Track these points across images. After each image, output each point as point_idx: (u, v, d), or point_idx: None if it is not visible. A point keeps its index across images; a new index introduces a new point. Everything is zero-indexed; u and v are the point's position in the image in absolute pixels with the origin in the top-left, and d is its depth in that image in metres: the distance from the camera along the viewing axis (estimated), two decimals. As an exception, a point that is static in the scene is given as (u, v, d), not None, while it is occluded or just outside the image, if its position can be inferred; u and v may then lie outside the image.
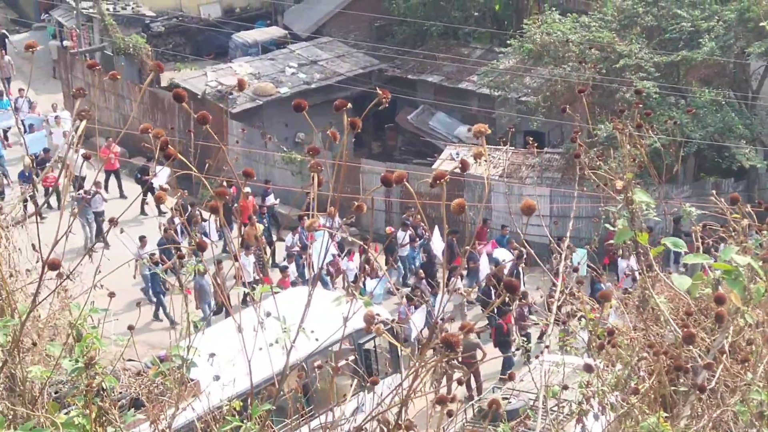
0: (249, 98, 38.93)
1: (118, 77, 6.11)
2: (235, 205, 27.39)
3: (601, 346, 6.11)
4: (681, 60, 33.21)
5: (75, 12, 44.89)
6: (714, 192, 6.72)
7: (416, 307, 24.79)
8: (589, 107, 30.12)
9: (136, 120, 37.43)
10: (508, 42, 37.10)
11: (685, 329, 4.75)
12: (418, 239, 30.59)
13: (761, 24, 30.13)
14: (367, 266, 27.78)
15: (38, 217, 5.24)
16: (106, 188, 32.52)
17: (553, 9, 38.19)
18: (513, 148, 35.18)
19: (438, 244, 29.66)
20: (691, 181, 35.17)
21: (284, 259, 29.15)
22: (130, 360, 6.86)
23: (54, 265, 4.63)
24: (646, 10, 34.66)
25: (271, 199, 33.06)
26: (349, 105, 4.92)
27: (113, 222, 5.57)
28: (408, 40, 44.78)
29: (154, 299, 27.80)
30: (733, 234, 5.94)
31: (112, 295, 5.91)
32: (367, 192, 34.01)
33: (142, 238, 26.10)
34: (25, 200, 6.92)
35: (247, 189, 29.70)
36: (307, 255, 28.09)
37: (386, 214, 34.17)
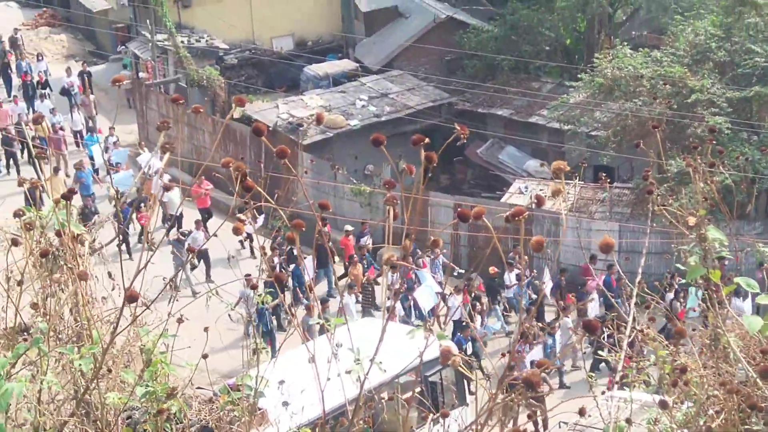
0: (319, 130, 39.11)
1: (201, 110, 6.23)
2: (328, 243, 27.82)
3: (674, 383, 6.08)
4: (754, 95, 32.90)
5: (150, 44, 45.58)
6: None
7: (531, 346, 24.60)
8: (660, 142, 29.95)
9: (208, 150, 37.94)
10: (579, 76, 37.05)
11: (759, 365, 4.69)
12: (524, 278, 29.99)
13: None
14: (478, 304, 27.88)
15: (125, 252, 5.41)
16: (205, 226, 32.68)
17: (625, 43, 38.04)
18: (583, 182, 34.99)
19: (547, 283, 29.42)
20: (763, 218, 34.77)
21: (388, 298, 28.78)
22: (200, 388, 6.94)
23: (132, 298, 4.75)
24: (718, 45, 34.44)
25: (367, 240, 32.78)
26: (427, 140, 4.90)
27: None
28: (478, 73, 44.81)
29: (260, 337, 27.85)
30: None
31: (180, 320, 6.01)
32: (438, 225, 34.12)
33: (247, 276, 26.31)
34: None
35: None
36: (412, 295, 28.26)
37: (454, 247, 34.08)
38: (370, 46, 47.82)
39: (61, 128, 39.06)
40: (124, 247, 30.79)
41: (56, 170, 33.27)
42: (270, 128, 37.93)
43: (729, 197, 7.58)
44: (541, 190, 35.58)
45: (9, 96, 43.52)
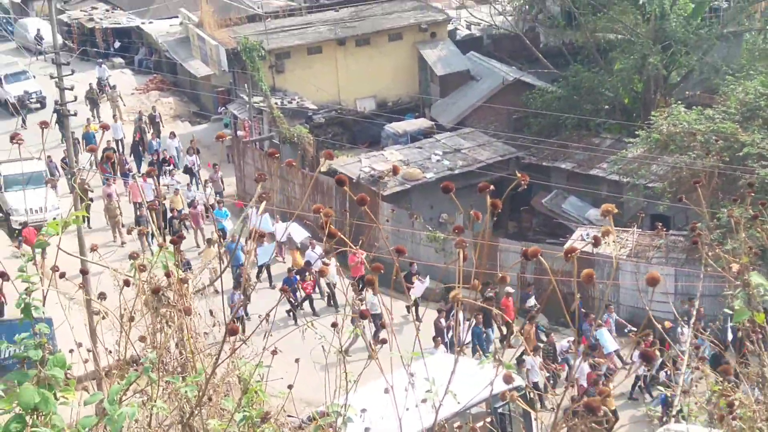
0: (399, 182, 39.42)
1: (294, 164, 6.44)
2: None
3: (721, 418, 6.05)
4: (801, 150, 32.50)
5: (248, 106, 46.42)
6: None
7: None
8: (713, 192, 29.69)
9: (298, 200, 38.30)
10: (637, 132, 36.87)
11: None
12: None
13: None
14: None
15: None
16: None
17: (679, 102, 37.83)
18: (640, 230, 34.74)
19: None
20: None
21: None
22: (290, 416, 7.04)
23: (232, 332, 4.90)
24: (767, 103, 34.13)
25: (532, 302, 32.09)
26: (492, 187, 5.01)
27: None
28: (543, 130, 44.83)
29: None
30: None
31: (274, 352, 6.13)
32: (506, 268, 34.00)
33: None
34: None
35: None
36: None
37: (519, 290, 33.90)
38: (445, 106, 48.11)
39: (196, 204, 38.73)
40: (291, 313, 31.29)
41: (210, 242, 33.31)
42: (353, 180, 38.28)
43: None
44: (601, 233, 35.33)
45: (139, 172, 43.09)
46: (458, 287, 4.73)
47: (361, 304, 23.91)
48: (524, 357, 25.86)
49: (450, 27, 52.35)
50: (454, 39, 51.52)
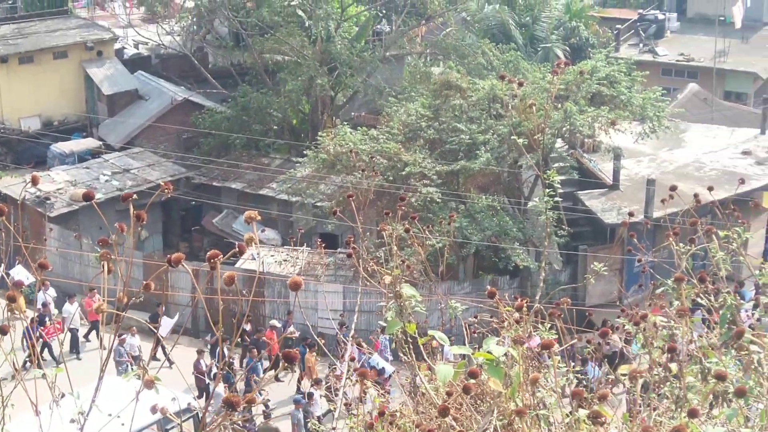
0: (66, 203, 38.04)
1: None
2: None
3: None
4: (460, 169, 33.59)
5: None
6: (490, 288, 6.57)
7: None
8: (378, 211, 30.25)
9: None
10: (305, 152, 37.11)
11: (441, 405, 4.56)
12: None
13: (535, 137, 30.91)
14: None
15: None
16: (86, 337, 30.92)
17: (345, 123, 38.50)
18: (310, 248, 35.02)
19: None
20: (471, 278, 35.59)
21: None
22: None
23: None
24: (428, 125, 35.15)
25: (291, 330, 30.84)
26: (135, 196, 4.96)
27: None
28: (213, 150, 44.47)
29: None
30: (504, 326, 5.82)
31: None
32: (178, 290, 33.36)
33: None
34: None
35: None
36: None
37: (195, 310, 33.28)
38: (113, 125, 46.93)
39: None
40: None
41: None
42: (19, 201, 36.47)
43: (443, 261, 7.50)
44: (272, 255, 35.34)
45: None
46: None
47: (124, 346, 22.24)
48: (312, 390, 25.14)
49: (117, 46, 51.12)
50: (121, 58, 50.40)
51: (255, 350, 28.18)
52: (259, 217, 4.60)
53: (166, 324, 30.10)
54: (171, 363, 23.17)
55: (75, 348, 30.75)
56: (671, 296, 6.08)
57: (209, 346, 29.66)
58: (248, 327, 30.43)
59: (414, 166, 33.11)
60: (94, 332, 30.98)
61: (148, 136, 45.50)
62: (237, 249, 4.65)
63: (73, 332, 30.77)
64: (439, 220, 24.64)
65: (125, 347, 28.17)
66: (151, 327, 4.99)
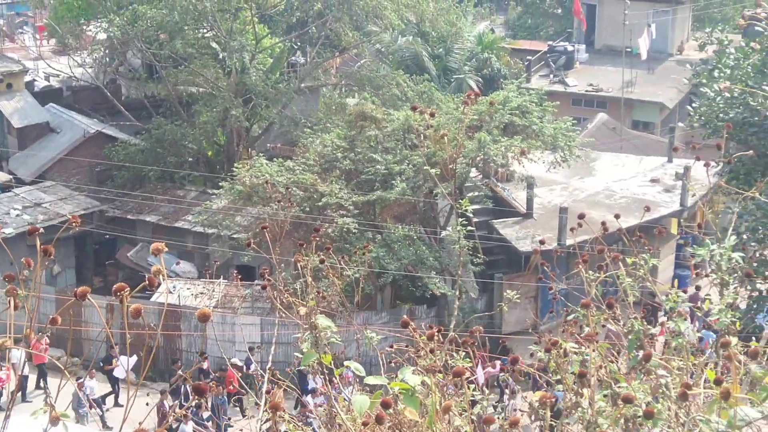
0: (-26, 238, 37.14)
1: None
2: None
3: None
4: (377, 199, 33.71)
5: None
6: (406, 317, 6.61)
7: None
8: (295, 242, 30.17)
9: None
10: (221, 184, 36.92)
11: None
12: None
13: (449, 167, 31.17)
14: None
15: None
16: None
17: (261, 154, 38.41)
18: (226, 281, 34.79)
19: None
20: (389, 307, 35.67)
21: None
22: None
23: None
24: (344, 155, 35.22)
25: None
26: (42, 230, 5.00)
27: None
28: (127, 183, 43.94)
29: None
30: (421, 354, 5.87)
31: None
32: (91, 325, 32.84)
33: None
34: None
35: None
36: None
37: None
38: (24, 158, 46.09)
39: None
40: None
41: None
42: None
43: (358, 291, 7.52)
44: (188, 288, 35.04)
45: None
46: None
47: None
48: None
49: (27, 78, 50.25)
50: (32, 90, 49.54)
51: (220, 387, 27.88)
52: (166, 249, 4.54)
53: (125, 364, 29.35)
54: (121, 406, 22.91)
55: (24, 396, 30.33)
56: (582, 322, 6.20)
57: (170, 387, 29.24)
58: (206, 365, 30.15)
59: (330, 196, 33.13)
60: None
61: (60, 170, 44.78)
62: (147, 282, 4.64)
63: (23, 379, 30.10)
64: (355, 251, 24.68)
65: (85, 390, 27.68)
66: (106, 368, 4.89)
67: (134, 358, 29.67)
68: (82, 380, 27.54)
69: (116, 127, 46.96)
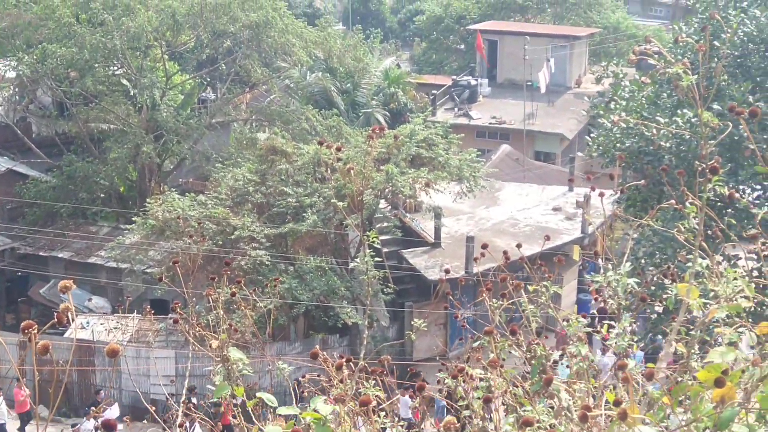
0: None
1: None
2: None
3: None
4: (288, 231, 33.62)
5: None
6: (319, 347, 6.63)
7: None
8: (208, 276, 29.89)
9: None
10: (133, 219, 36.49)
11: None
12: None
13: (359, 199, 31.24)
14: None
15: None
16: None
17: (173, 189, 38.09)
18: (140, 315, 34.34)
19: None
20: (302, 338, 35.55)
21: None
22: None
23: None
24: (255, 189, 35.10)
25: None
26: None
27: None
28: (39, 220, 43.23)
29: None
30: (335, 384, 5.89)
31: None
32: (4, 363, 32.06)
33: None
34: None
35: None
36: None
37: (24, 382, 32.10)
38: (-68, 197, 45.10)
39: None
40: None
41: None
42: None
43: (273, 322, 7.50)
44: (101, 323, 34.50)
45: None
46: None
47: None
48: None
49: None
50: (-60, 129, 48.49)
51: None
52: (74, 287, 4.49)
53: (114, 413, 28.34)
54: None
55: None
56: (488, 349, 6.28)
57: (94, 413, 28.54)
58: (194, 399, 29.62)
59: (243, 229, 32.98)
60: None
61: (-29, 208, 43.95)
62: (56, 319, 4.60)
63: (2, 427, 29.20)
64: (267, 283, 24.59)
65: None
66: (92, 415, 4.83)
67: (115, 406, 28.77)
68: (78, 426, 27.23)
69: (27, 164, 46.15)
